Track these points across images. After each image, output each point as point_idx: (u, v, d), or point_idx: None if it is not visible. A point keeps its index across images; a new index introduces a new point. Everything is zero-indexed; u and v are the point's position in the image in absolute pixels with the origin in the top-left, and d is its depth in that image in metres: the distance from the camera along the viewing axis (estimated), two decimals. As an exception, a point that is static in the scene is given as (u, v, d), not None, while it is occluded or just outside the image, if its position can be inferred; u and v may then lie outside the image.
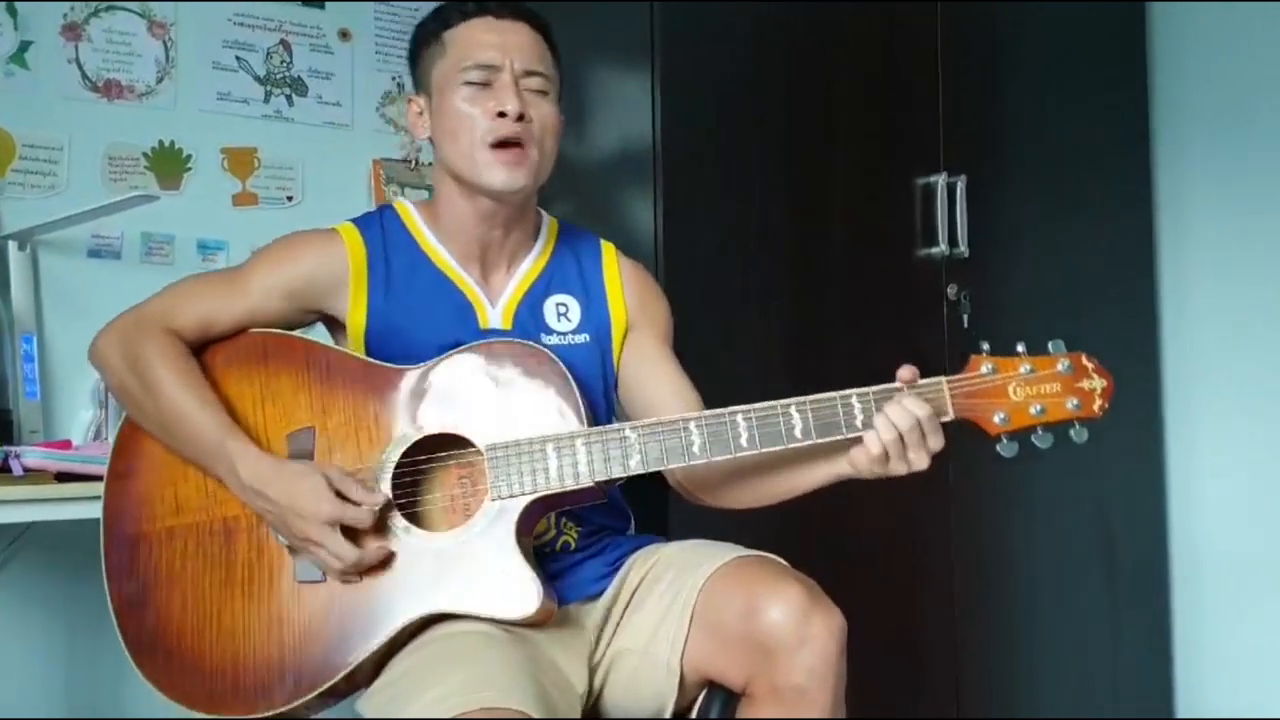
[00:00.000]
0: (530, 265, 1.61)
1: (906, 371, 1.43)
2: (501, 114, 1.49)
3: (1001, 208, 2.58)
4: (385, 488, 1.41)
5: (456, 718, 1.21)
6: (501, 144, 1.49)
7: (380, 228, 1.59)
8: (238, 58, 2.53)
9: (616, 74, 2.32)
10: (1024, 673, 2.64)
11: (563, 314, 1.60)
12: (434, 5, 2.68)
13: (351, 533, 1.38)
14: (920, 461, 1.39)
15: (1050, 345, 1.42)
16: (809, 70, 2.37)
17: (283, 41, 2.58)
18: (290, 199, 2.57)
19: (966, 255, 2.49)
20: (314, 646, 1.38)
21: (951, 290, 2.50)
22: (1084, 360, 1.41)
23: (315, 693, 1.37)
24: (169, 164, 2.46)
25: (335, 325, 1.58)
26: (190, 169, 2.48)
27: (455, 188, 1.56)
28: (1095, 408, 1.40)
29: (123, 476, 1.49)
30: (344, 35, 2.65)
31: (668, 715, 1.42)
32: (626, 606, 1.50)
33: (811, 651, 1.32)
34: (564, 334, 1.58)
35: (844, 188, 2.41)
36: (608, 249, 1.68)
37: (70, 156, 2.35)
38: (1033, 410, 1.39)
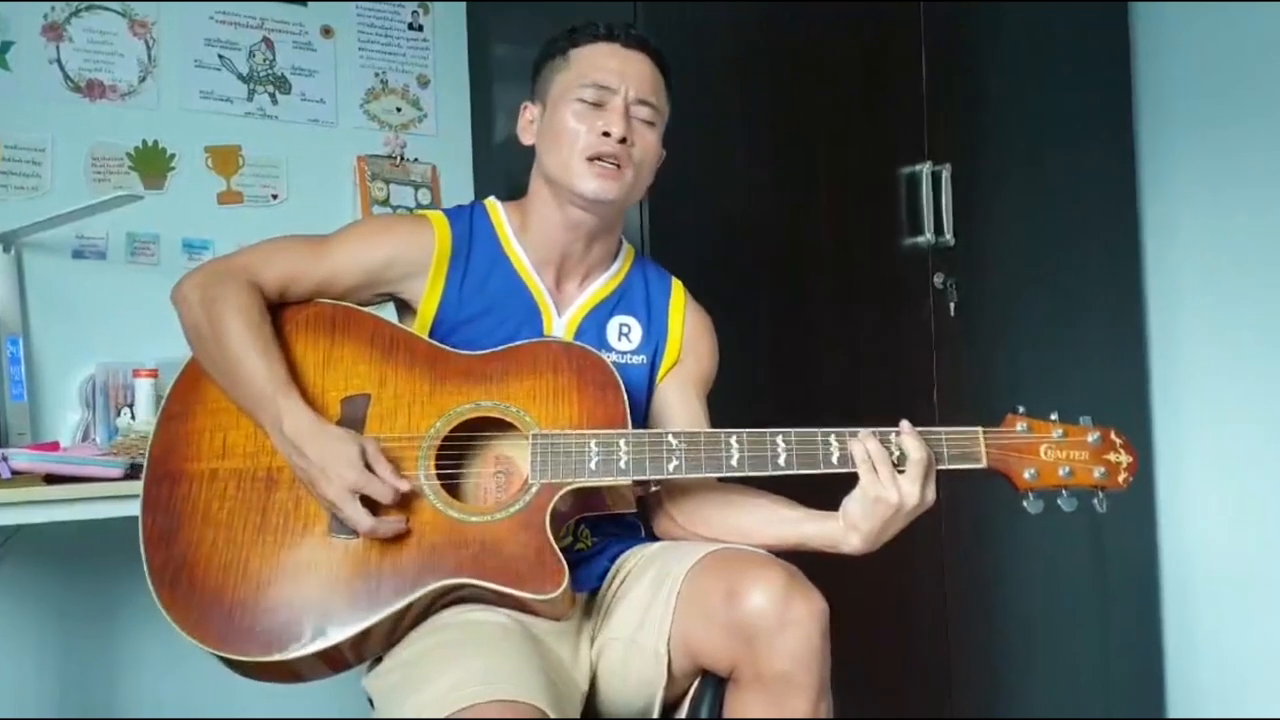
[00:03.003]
0: (603, 283, 1.67)
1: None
2: (606, 134, 1.55)
3: (987, 196, 2.59)
4: (429, 461, 1.45)
5: (470, 709, 1.23)
6: (598, 159, 1.56)
7: (469, 222, 1.64)
8: (220, 56, 2.53)
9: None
10: (1016, 673, 2.65)
11: (624, 334, 1.66)
12: (413, 5, 2.68)
13: (376, 504, 1.40)
14: (911, 494, 1.42)
15: (1081, 419, 1.50)
16: (792, 61, 2.37)
17: (265, 39, 2.57)
18: (275, 197, 2.56)
19: (952, 243, 2.49)
20: (335, 599, 1.39)
21: (938, 279, 2.51)
22: (1113, 435, 1.50)
23: (327, 644, 1.37)
24: (153, 163, 2.45)
25: (405, 309, 1.63)
26: (174, 168, 2.47)
27: (548, 194, 1.62)
28: (1120, 480, 1.49)
29: (175, 417, 1.51)
30: (326, 32, 2.64)
31: (658, 701, 1.44)
32: (612, 599, 1.52)
33: (794, 636, 1.33)
34: (623, 353, 1.65)
35: (829, 178, 2.41)
36: (678, 287, 1.74)
37: (53, 157, 2.34)
38: (1061, 472, 1.48)
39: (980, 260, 2.56)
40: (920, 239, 2.49)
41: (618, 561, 1.57)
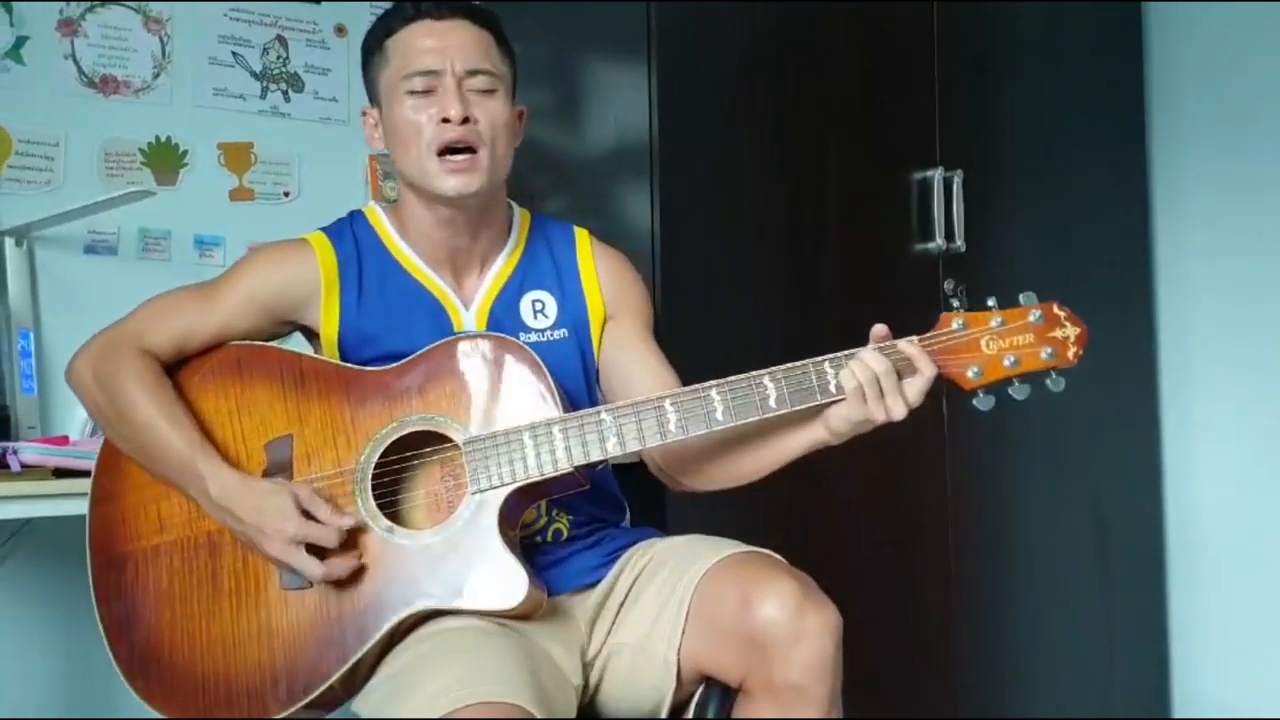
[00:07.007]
0: (502, 264, 1.61)
1: (880, 329, 1.43)
2: (445, 120, 1.48)
3: (998, 202, 2.59)
4: (366, 491, 1.42)
5: (453, 714, 1.22)
6: (449, 150, 1.49)
7: (352, 235, 1.59)
8: (234, 53, 2.53)
9: (614, 71, 2.32)
10: (1020, 671, 2.64)
11: (539, 310, 1.60)
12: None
13: (323, 549, 1.38)
14: (897, 409, 1.39)
15: (1021, 297, 1.43)
16: (804, 65, 2.37)
17: (279, 37, 2.58)
18: (287, 194, 2.56)
19: (963, 250, 2.49)
20: (304, 652, 1.38)
21: (948, 285, 2.50)
22: (1055, 309, 1.43)
23: (308, 698, 1.38)
24: (165, 159, 2.45)
25: (312, 335, 1.59)
26: (187, 165, 2.47)
27: (415, 197, 1.57)
28: (1070, 355, 1.41)
29: (105, 500, 1.50)
30: (340, 30, 2.65)
31: (665, 710, 1.43)
32: (623, 601, 1.50)
33: (807, 648, 1.32)
34: (542, 331, 1.59)
35: (840, 183, 2.40)
36: (582, 237, 1.67)
37: (67, 152, 2.35)
38: (1006, 362, 1.40)
39: (991, 267, 2.55)
40: (931, 245, 2.48)
41: (623, 559, 1.54)
